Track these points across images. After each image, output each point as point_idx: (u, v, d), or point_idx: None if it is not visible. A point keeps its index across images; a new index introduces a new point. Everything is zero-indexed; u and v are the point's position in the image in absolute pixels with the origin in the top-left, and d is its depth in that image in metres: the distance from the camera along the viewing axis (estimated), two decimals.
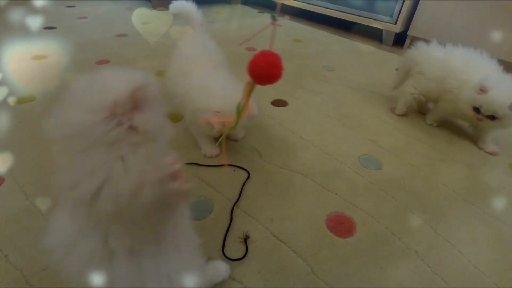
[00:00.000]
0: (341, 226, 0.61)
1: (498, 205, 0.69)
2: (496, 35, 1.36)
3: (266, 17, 2.08)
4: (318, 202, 0.66)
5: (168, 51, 1.35)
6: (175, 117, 0.90)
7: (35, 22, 1.58)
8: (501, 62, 1.41)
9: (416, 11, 1.58)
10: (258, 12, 2.20)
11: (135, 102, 0.28)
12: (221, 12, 2.12)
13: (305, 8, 2.04)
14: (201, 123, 0.68)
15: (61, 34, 1.46)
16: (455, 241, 0.60)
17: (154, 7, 2.04)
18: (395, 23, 1.65)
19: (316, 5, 1.96)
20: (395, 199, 0.68)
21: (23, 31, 1.45)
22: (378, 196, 0.69)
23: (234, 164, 0.74)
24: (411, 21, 1.62)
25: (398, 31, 1.66)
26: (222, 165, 0.74)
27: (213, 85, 0.67)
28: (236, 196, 0.65)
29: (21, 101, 0.91)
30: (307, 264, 0.53)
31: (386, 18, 1.67)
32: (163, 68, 1.19)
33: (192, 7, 0.86)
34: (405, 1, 1.56)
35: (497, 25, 1.35)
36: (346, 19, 1.83)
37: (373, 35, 1.87)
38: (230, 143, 0.81)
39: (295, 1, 2.07)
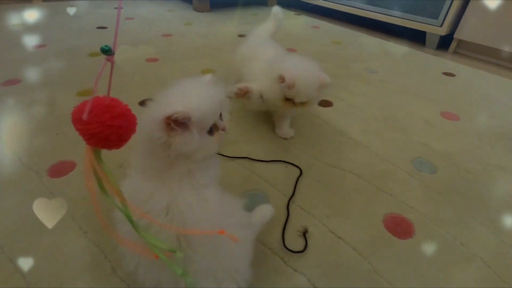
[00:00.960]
0: (398, 227, 0.60)
1: None
2: None
3: (302, 19, 2.09)
4: (372, 202, 0.66)
5: (209, 51, 1.40)
6: None
7: (87, 21, 1.69)
8: None
9: (465, 13, 1.52)
10: (295, 14, 2.21)
11: (168, 124, 0.34)
12: (258, 14, 2.16)
13: (345, 11, 2.02)
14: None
15: (112, 34, 1.55)
16: None
17: (195, 9, 2.12)
18: (441, 25, 1.59)
19: (356, 7, 1.94)
20: (453, 203, 0.66)
21: (78, 30, 1.56)
22: (435, 200, 0.67)
23: (285, 160, 0.75)
24: (458, 23, 1.56)
25: (443, 34, 1.60)
26: (275, 160, 0.75)
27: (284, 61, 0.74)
28: (290, 191, 0.66)
29: (81, 93, 0.99)
30: (367, 262, 0.53)
31: (431, 21, 1.61)
32: (208, 67, 1.23)
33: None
34: (453, 2, 1.50)
35: None
36: (387, 21, 1.80)
37: (415, 37, 1.81)
38: (280, 141, 0.83)
39: (329, 2, 2.06)
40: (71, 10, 0.98)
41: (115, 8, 2.04)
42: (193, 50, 1.40)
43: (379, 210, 0.63)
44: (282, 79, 0.68)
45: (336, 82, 1.18)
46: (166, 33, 1.61)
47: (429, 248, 0.56)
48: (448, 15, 1.55)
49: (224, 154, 0.75)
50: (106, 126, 0.28)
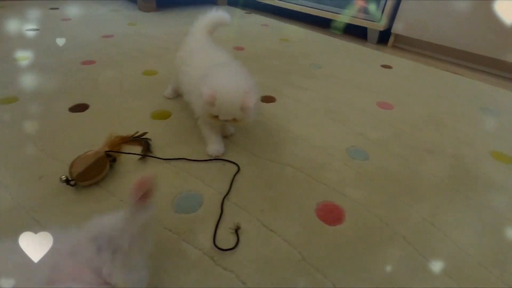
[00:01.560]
0: (330, 214, 0.62)
1: (481, 191, 0.71)
2: (476, 32, 1.41)
3: (253, 17, 2.10)
4: (308, 192, 0.67)
5: (155, 51, 1.35)
6: (165, 115, 0.90)
7: (16, 24, 1.55)
8: (480, 57, 1.46)
9: (399, 9, 1.63)
10: (245, 12, 2.22)
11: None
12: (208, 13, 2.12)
13: (290, 8, 2.06)
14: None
15: (44, 36, 1.43)
16: (440, 225, 0.61)
17: (140, 9, 2.04)
18: (379, 22, 1.69)
19: (301, 5, 1.99)
20: (383, 188, 0.70)
21: (4, 33, 1.42)
22: (366, 186, 0.70)
23: (223, 158, 0.74)
24: (394, 19, 1.67)
25: (382, 29, 1.70)
26: (212, 159, 0.74)
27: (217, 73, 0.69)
28: (226, 189, 0.65)
29: (4, 101, 0.90)
30: (298, 252, 0.54)
31: (370, 17, 1.70)
32: (151, 68, 1.19)
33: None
34: (388, 0, 1.60)
35: (476, 22, 1.40)
36: (332, 18, 1.87)
37: (358, 33, 1.91)
38: None
39: (279, 1, 2.10)
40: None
41: (51, 8, 1.89)
42: (135, 51, 1.34)
43: (313, 200, 0.65)
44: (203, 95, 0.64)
45: (281, 78, 1.20)
46: (106, 34, 1.52)
47: (357, 232, 0.59)
48: (384, 12, 1.64)
49: (159, 157, 0.72)
50: None
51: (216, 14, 0.96)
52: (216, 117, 0.67)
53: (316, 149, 0.81)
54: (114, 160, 0.67)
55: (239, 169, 0.71)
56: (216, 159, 0.74)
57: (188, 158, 0.73)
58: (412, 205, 0.66)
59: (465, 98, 1.16)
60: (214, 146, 0.75)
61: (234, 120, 0.68)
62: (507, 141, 0.91)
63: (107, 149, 0.68)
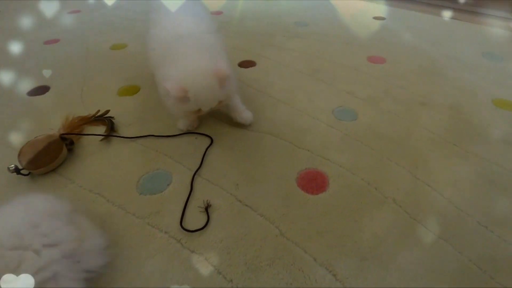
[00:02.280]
0: (312, 182, 0.56)
1: (481, 143, 0.64)
2: None
3: None
4: (289, 161, 0.61)
5: (123, 24, 1.24)
6: (132, 90, 0.82)
7: None
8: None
9: None
10: None
11: None
12: None
13: None
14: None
15: (5, 16, 1.32)
16: (435, 184, 0.55)
17: None
18: None
19: None
20: (372, 149, 0.63)
21: None
22: (353, 148, 0.64)
23: (195, 131, 0.67)
24: None
25: None
26: (183, 133, 0.67)
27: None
28: (198, 164, 0.59)
29: None
30: (275, 226, 0.48)
31: None
32: (119, 41, 1.09)
33: None
34: None
35: None
36: None
37: None
38: None
39: None
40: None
41: None
42: (103, 25, 1.23)
43: (293, 169, 0.59)
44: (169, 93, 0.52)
45: (263, 40, 1.10)
46: (73, 9, 1.40)
47: (341, 199, 0.53)
48: None
49: (124, 136, 0.66)
50: None
51: None
52: (198, 111, 0.56)
53: (299, 113, 0.74)
54: (71, 143, 0.61)
55: (212, 141, 0.65)
56: (188, 132, 0.67)
57: (156, 134, 0.66)
58: (404, 165, 0.59)
59: (465, 44, 1.05)
60: (186, 120, 0.67)
61: (219, 103, 0.57)
62: (510, 87, 0.82)
63: (63, 132, 0.61)
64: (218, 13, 1.36)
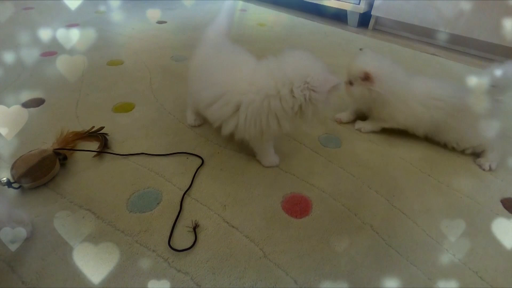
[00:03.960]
0: (296, 206, 0.59)
1: (452, 174, 0.69)
2: (451, 12, 1.38)
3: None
4: (274, 184, 0.64)
5: (120, 40, 1.27)
6: (127, 107, 0.85)
7: None
8: (457, 37, 1.44)
9: None
10: None
11: None
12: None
13: None
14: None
15: (3, 27, 1.33)
16: (410, 212, 0.60)
17: None
18: (359, 3, 1.63)
19: None
20: (353, 175, 0.67)
21: None
22: (336, 174, 0.68)
23: (186, 151, 0.70)
24: (374, 0, 1.62)
25: (362, 12, 1.65)
26: (175, 153, 0.70)
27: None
28: (188, 184, 0.62)
29: None
30: (259, 248, 0.51)
31: None
32: (116, 58, 1.12)
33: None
34: None
35: (450, 3, 1.37)
36: (310, 1, 1.81)
37: (339, 16, 1.85)
38: (184, 133, 0.77)
39: None
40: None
41: None
42: (101, 41, 1.26)
43: (279, 192, 0.62)
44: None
45: None
46: (71, 23, 1.43)
47: (323, 223, 0.56)
48: None
49: (117, 153, 0.68)
50: None
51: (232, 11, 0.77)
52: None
53: (286, 137, 0.78)
54: (65, 158, 0.62)
55: (203, 162, 0.68)
56: (179, 152, 0.70)
57: (148, 152, 0.69)
58: (382, 193, 0.63)
59: (441, 79, 1.13)
60: (272, 158, 0.68)
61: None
62: None
63: (57, 147, 0.63)
64: None
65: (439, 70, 1.22)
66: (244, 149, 0.72)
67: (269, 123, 0.56)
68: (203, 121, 0.78)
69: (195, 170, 0.65)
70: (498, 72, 0.64)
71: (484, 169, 0.70)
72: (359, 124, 0.82)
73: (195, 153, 0.70)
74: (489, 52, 1.40)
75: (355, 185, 0.65)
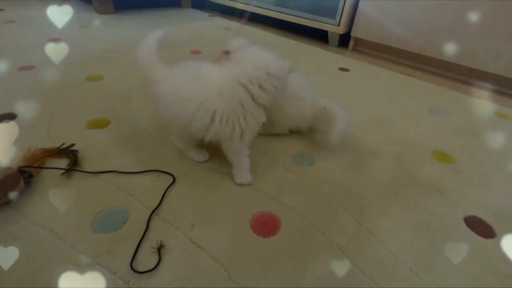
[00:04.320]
0: (265, 225, 0.59)
1: (420, 193, 0.72)
2: (426, 34, 1.46)
3: (215, 20, 2.06)
4: (245, 203, 0.64)
5: (104, 55, 1.28)
6: (102, 123, 0.84)
7: None
8: (430, 59, 1.51)
9: (357, 12, 1.65)
10: (209, 15, 2.18)
11: None
12: (169, 15, 2.07)
13: (253, 11, 2.05)
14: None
15: None
16: (376, 231, 0.61)
17: (96, 11, 1.94)
18: (338, 25, 1.71)
19: (264, 8, 1.98)
20: (324, 194, 0.69)
21: None
22: (307, 192, 0.68)
23: (159, 169, 0.70)
24: (353, 22, 1.69)
25: (341, 33, 1.72)
26: (147, 171, 0.69)
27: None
28: (157, 203, 0.61)
29: None
30: (224, 269, 0.51)
31: (330, 20, 1.72)
32: (96, 73, 1.12)
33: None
34: (346, 3, 1.62)
35: (429, 24, 1.45)
36: (292, 21, 1.87)
37: (320, 36, 1.92)
38: (157, 150, 0.77)
39: (242, 4, 2.08)
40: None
41: None
42: (82, 56, 1.27)
43: (249, 211, 0.62)
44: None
45: None
46: (53, 37, 1.43)
47: (290, 243, 0.56)
48: (343, 15, 1.67)
49: (86, 170, 0.67)
50: None
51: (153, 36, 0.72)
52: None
53: (260, 154, 0.79)
54: (30, 176, 0.61)
55: (174, 180, 0.67)
56: (151, 170, 0.69)
57: (119, 170, 0.68)
58: (350, 212, 0.64)
59: (414, 99, 1.18)
60: (246, 174, 0.69)
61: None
62: (449, 141, 0.93)
63: (23, 164, 0.61)
64: (197, 52, 1.44)
65: (416, 92, 1.27)
66: (217, 166, 0.73)
67: (247, 120, 0.61)
68: (208, 154, 0.75)
69: (166, 188, 0.65)
70: None
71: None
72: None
73: (168, 170, 0.70)
74: (464, 75, 1.48)
75: (325, 203, 0.66)
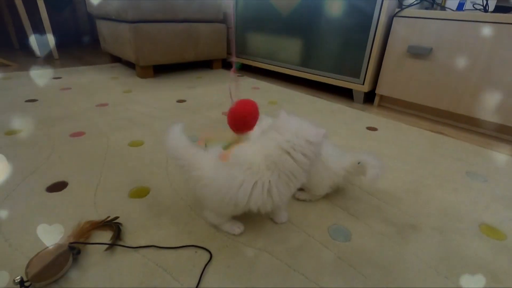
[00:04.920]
0: None
1: (471, 278, 0.66)
2: (456, 92, 1.47)
3: (245, 80, 2.22)
4: (284, 284, 0.62)
5: (143, 120, 1.40)
6: (142, 192, 0.89)
7: (17, 94, 1.64)
8: (461, 116, 1.50)
9: (381, 71, 1.72)
10: (238, 75, 2.35)
11: None
12: (202, 77, 2.26)
13: (280, 71, 2.19)
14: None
15: (41, 107, 1.50)
16: None
17: (138, 75, 2.17)
18: (363, 84, 1.77)
19: (291, 68, 2.12)
20: (364, 276, 0.65)
21: (2, 104, 1.49)
22: (346, 274, 0.65)
23: (195, 244, 0.71)
24: (377, 80, 1.75)
25: (366, 91, 1.78)
26: (185, 246, 0.70)
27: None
28: (195, 284, 0.61)
29: None
30: None
31: (354, 79, 1.79)
32: (137, 139, 1.21)
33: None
34: (369, 63, 1.70)
35: (456, 82, 1.47)
36: (318, 80, 1.97)
37: (345, 94, 1.99)
38: (195, 221, 0.79)
39: (269, 65, 2.24)
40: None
41: (53, 78, 2.02)
42: (125, 120, 1.39)
43: None
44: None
45: None
46: (101, 102, 1.60)
47: None
48: (367, 74, 1.73)
49: (127, 245, 0.69)
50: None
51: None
52: None
53: (294, 227, 0.78)
54: (78, 252, 0.64)
55: (211, 256, 0.68)
56: (189, 245, 0.71)
57: (158, 245, 0.70)
58: None
59: (449, 161, 1.15)
60: (284, 213, 0.79)
61: None
62: (495, 212, 0.87)
63: (73, 240, 0.65)
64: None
65: (450, 152, 1.24)
66: (252, 240, 0.73)
67: (289, 185, 0.66)
68: (243, 226, 0.76)
69: (203, 267, 0.65)
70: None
71: None
72: (297, 193, 0.88)
73: (204, 245, 0.71)
74: (496, 130, 1.44)
75: (366, 286, 0.62)
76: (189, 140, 0.73)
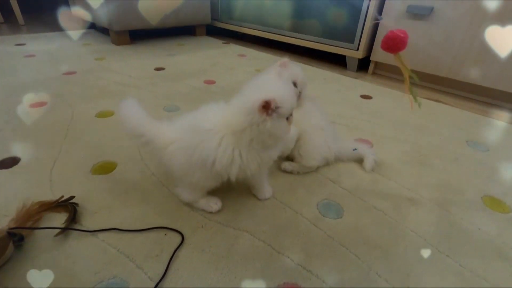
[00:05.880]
0: None
1: (475, 255, 0.59)
2: (454, 57, 1.36)
3: (230, 48, 2.05)
4: (265, 271, 0.54)
5: (115, 90, 1.25)
6: (108, 167, 0.78)
7: None
8: (460, 83, 1.40)
9: (376, 35, 1.58)
10: (223, 42, 2.18)
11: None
12: (184, 44, 2.08)
13: (268, 37, 2.03)
14: None
15: (5, 73, 1.33)
16: None
17: (113, 42, 1.97)
18: (357, 49, 1.64)
19: (279, 34, 1.95)
20: (358, 257, 0.57)
21: None
22: (338, 256, 0.58)
23: (165, 226, 0.61)
24: (372, 46, 1.62)
25: (360, 57, 1.65)
26: (152, 228, 0.61)
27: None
28: (161, 272, 0.52)
29: None
30: None
31: (348, 45, 1.66)
32: (106, 109, 1.08)
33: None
34: (364, 26, 1.56)
35: (457, 47, 1.35)
36: (310, 46, 1.82)
37: (338, 61, 1.86)
38: (170, 201, 0.69)
39: (256, 30, 2.06)
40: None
41: (16, 44, 1.81)
42: (95, 89, 1.24)
43: (270, 282, 0.52)
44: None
45: None
46: (69, 71, 1.43)
47: None
48: (362, 39, 1.60)
49: (84, 229, 0.59)
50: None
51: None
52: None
53: (282, 205, 0.69)
54: (21, 239, 0.54)
55: (183, 240, 0.59)
56: (157, 227, 0.61)
57: (121, 228, 0.60)
58: (393, 282, 0.53)
59: (448, 130, 1.07)
60: (268, 188, 0.71)
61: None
62: (500, 183, 0.80)
63: (14, 225, 0.55)
64: (211, 82, 1.40)
65: (449, 121, 1.15)
66: (232, 219, 0.64)
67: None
68: (221, 203, 0.67)
69: (173, 252, 0.56)
70: None
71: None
72: (283, 164, 0.81)
73: (176, 227, 0.61)
74: (497, 98, 1.35)
75: (361, 271, 0.55)
76: (144, 112, 0.63)
